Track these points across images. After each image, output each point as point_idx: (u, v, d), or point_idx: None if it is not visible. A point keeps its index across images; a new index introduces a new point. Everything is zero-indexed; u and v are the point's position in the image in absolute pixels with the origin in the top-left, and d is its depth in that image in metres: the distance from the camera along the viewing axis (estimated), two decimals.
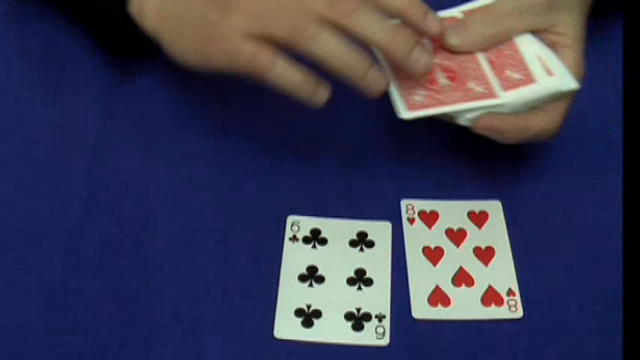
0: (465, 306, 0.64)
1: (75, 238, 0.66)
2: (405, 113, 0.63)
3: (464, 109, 0.64)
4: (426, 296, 0.64)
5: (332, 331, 0.62)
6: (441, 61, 0.66)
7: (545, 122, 0.65)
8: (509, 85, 0.65)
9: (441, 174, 0.71)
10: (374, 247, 0.66)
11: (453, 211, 0.69)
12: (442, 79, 0.65)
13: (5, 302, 0.63)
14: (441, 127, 0.67)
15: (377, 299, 0.63)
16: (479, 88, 0.65)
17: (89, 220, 0.67)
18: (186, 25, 0.65)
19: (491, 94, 0.64)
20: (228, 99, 0.75)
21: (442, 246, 0.67)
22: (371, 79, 0.62)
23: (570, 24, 0.66)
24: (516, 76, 0.65)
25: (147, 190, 0.70)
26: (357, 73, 0.61)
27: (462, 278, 0.65)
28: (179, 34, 0.66)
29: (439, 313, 0.63)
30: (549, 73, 0.65)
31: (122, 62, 0.76)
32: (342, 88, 0.62)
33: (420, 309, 0.63)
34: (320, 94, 0.63)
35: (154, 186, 0.70)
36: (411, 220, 0.68)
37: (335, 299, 0.63)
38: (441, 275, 0.65)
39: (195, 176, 0.71)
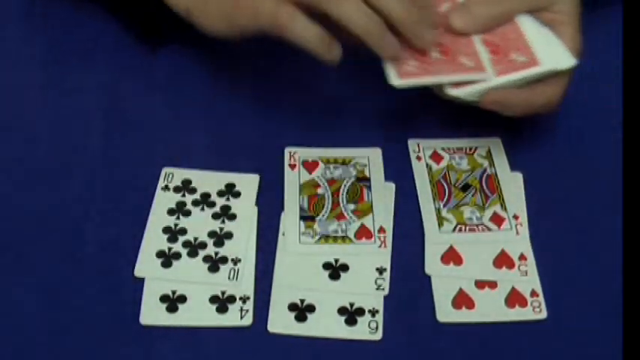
0: (490, 308, 0.64)
1: (75, 238, 0.67)
2: (396, 80, 0.65)
3: (452, 81, 0.65)
4: (450, 299, 0.64)
5: (325, 325, 0.62)
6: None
7: (548, 94, 0.67)
8: (515, 67, 0.66)
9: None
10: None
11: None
12: (434, 53, 0.66)
13: (5, 302, 0.64)
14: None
15: (368, 294, 0.64)
16: (469, 63, 0.66)
17: (89, 220, 0.68)
18: None
19: (480, 68, 0.66)
20: (225, 99, 0.76)
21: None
22: (386, 43, 0.65)
23: (567, 1, 0.67)
24: (522, 59, 0.66)
25: (147, 190, 0.70)
26: (375, 37, 0.64)
27: (485, 281, 0.65)
28: (206, 5, 0.68)
29: (464, 315, 0.63)
30: (548, 52, 0.66)
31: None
32: None
33: (445, 312, 0.63)
34: (335, 51, 0.65)
35: (154, 186, 0.70)
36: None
37: (327, 294, 0.64)
38: (464, 278, 0.65)
39: None
